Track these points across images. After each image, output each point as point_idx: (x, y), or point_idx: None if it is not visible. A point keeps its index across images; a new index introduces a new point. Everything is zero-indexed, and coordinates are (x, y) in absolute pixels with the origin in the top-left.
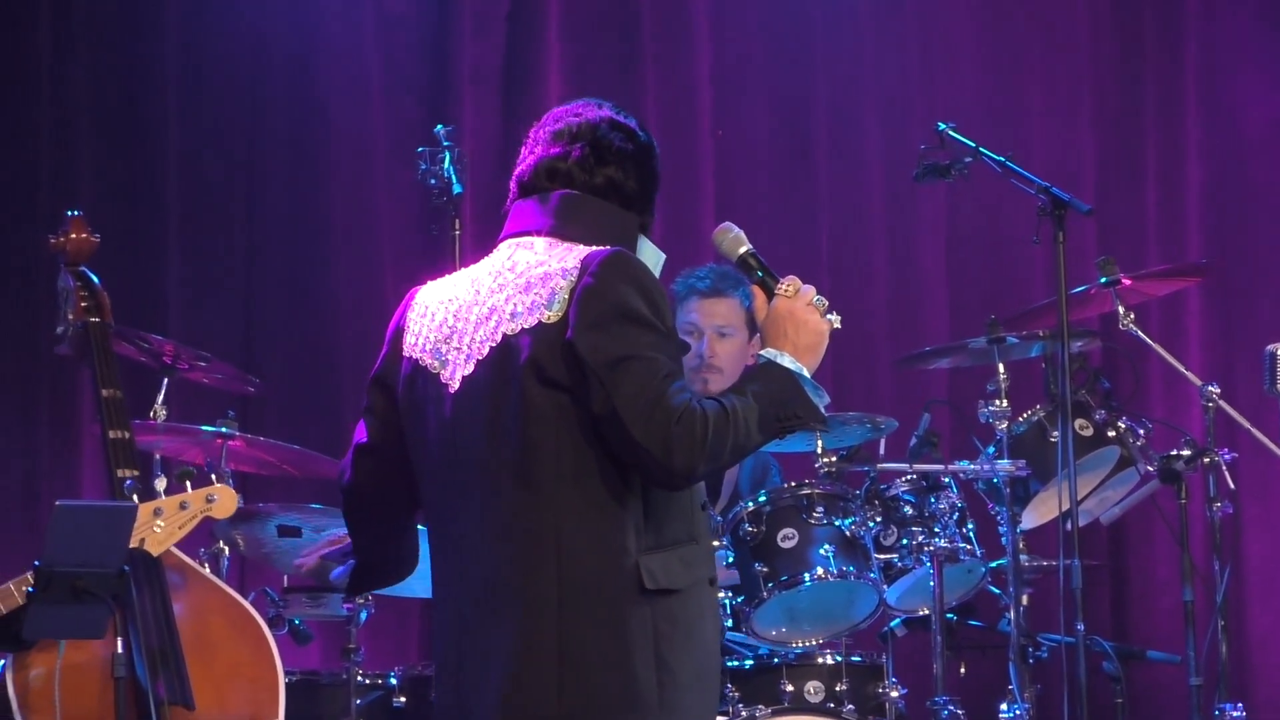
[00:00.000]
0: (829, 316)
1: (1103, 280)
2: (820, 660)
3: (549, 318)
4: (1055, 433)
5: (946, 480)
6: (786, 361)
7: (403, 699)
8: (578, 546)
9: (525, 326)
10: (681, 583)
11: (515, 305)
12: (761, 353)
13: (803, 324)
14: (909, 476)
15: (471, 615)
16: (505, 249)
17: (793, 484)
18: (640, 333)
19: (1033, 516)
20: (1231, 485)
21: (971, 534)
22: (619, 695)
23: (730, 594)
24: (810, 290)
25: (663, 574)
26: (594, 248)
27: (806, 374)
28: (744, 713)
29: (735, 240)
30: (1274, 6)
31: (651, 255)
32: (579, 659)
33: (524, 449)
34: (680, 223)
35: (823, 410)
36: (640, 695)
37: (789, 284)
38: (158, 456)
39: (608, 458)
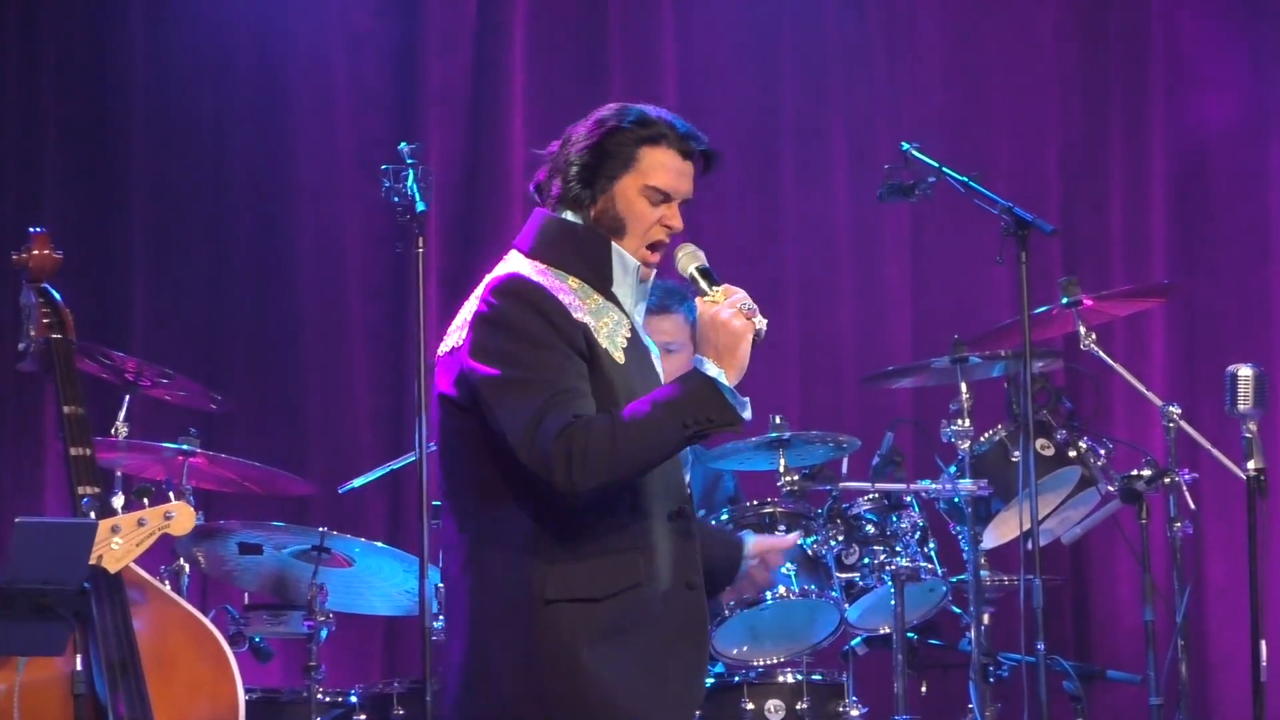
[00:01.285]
0: (755, 320)
1: (1065, 301)
2: (781, 679)
3: (457, 341)
4: (1017, 452)
5: (909, 499)
6: (706, 367)
7: (363, 717)
8: (488, 563)
9: (442, 351)
10: (601, 590)
11: (452, 327)
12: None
13: (721, 326)
14: (871, 495)
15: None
16: None
17: (755, 502)
18: (525, 353)
19: (994, 536)
20: (1192, 506)
21: (933, 553)
22: (528, 706)
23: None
24: (739, 295)
25: (575, 584)
26: (504, 272)
27: (725, 377)
28: None
29: (689, 257)
30: (1240, 29)
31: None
32: (484, 672)
33: (446, 472)
34: None
35: (739, 413)
36: (552, 704)
37: (717, 291)
38: (119, 474)
39: (517, 474)
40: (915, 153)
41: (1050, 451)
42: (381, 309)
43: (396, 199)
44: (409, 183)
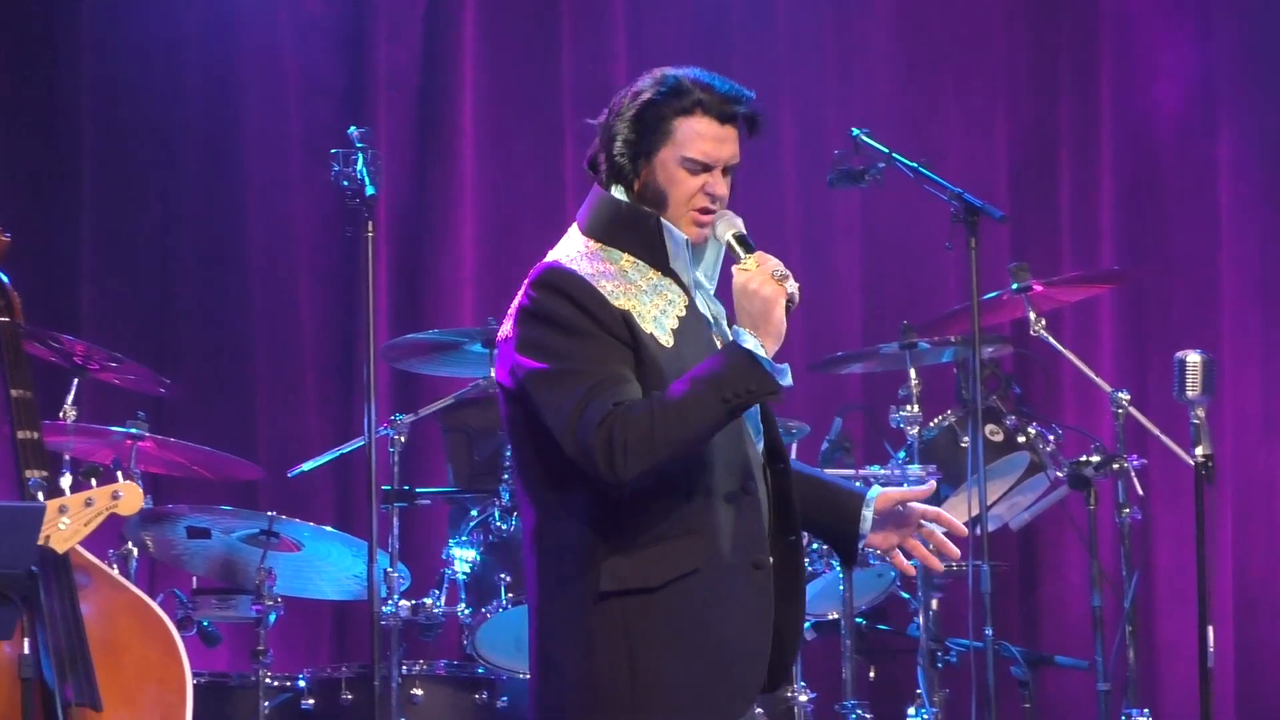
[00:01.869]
0: (787, 285)
1: (1015, 286)
2: None
3: (505, 332)
4: (966, 438)
5: (858, 485)
6: (743, 339)
7: (311, 701)
8: (551, 551)
9: (498, 340)
10: (656, 579)
11: (508, 313)
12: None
13: (753, 295)
14: None
15: None
16: None
17: None
18: (565, 344)
19: None
20: (1141, 492)
21: None
22: (586, 697)
23: None
24: (770, 261)
25: (630, 574)
26: (546, 261)
27: (760, 348)
28: None
29: (726, 224)
30: (1188, 16)
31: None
32: (552, 662)
33: (515, 461)
34: None
35: (779, 381)
36: (607, 697)
37: (750, 259)
38: (67, 457)
39: (569, 464)
40: (865, 139)
41: (999, 437)
42: (331, 293)
43: (346, 183)
44: (358, 167)
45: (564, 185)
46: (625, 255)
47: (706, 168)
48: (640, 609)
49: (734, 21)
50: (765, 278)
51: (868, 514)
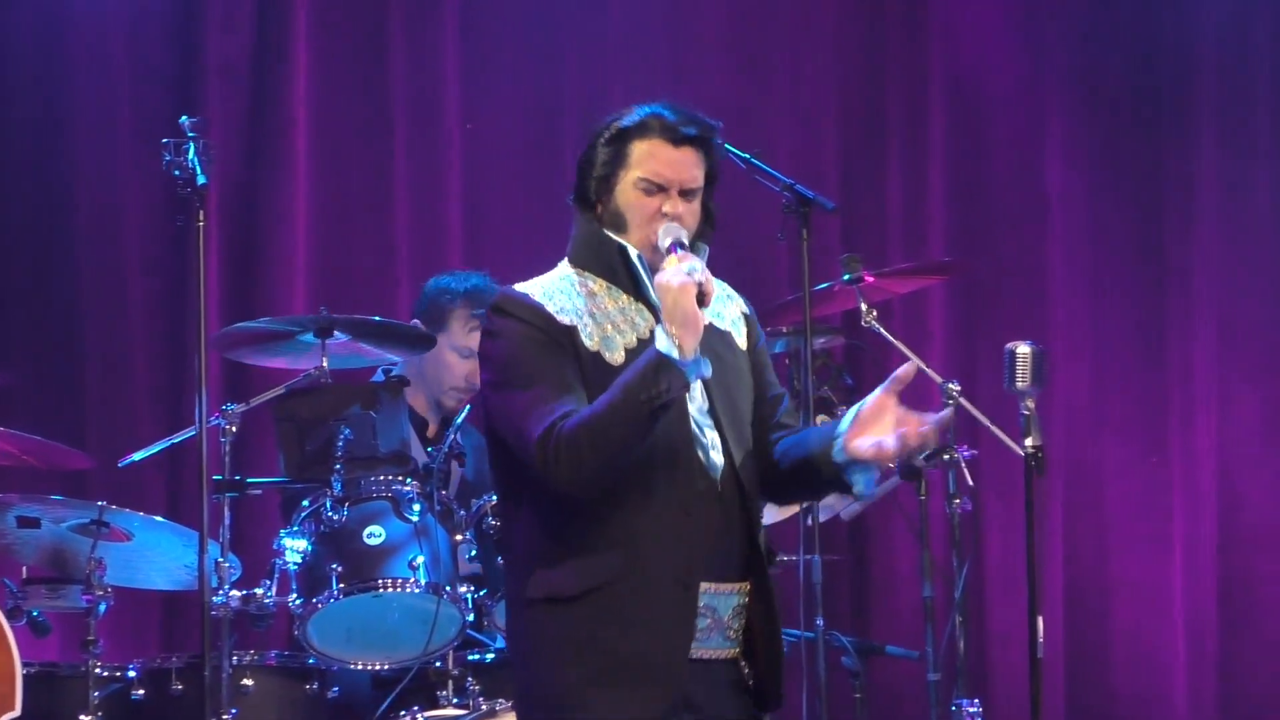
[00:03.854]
0: (695, 275)
1: (846, 277)
2: None
3: None
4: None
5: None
6: (659, 338)
7: (142, 691)
8: (506, 557)
9: None
10: (572, 590)
11: None
12: None
13: (664, 290)
14: None
15: None
16: None
17: None
18: (516, 359)
19: (773, 511)
20: (971, 482)
21: None
22: (529, 694)
23: (473, 588)
24: (688, 260)
25: (552, 583)
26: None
27: (675, 345)
28: (484, 706)
29: (665, 233)
30: (1016, 8)
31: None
32: (513, 660)
33: (492, 474)
34: (426, 216)
35: (689, 377)
36: (542, 696)
37: (671, 258)
38: None
39: (524, 473)
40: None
41: None
42: (161, 283)
43: (178, 173)
44: (190, 156)
45: (395, 175)
46: (599, 280)
47: (661, 188)
48: (559, 617)
49: (566, 11)
50: (677, 272)
51: (840, 431)
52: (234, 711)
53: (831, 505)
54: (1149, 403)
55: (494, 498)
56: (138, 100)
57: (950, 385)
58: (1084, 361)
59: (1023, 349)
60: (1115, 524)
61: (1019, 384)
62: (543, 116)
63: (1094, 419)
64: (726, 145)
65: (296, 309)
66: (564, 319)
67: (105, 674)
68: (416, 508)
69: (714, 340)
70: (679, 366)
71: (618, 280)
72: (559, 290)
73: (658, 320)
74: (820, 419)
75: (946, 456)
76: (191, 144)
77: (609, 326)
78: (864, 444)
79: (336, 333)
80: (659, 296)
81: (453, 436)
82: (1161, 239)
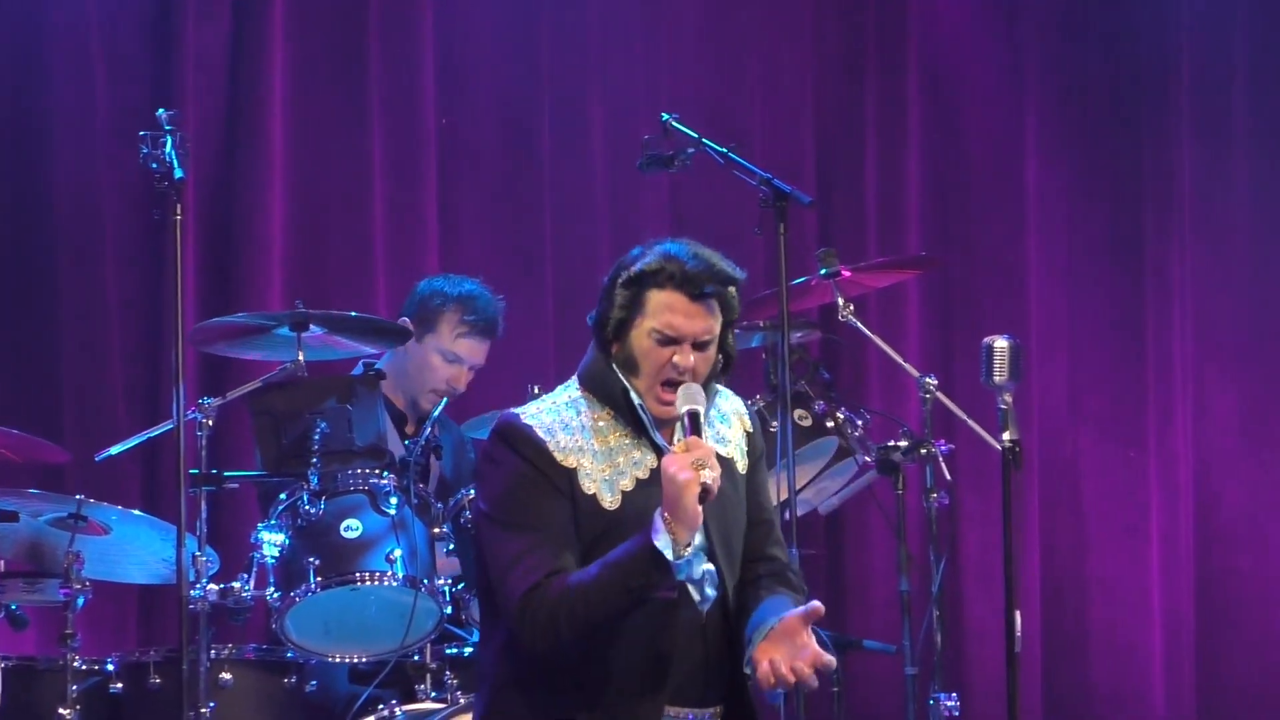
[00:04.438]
0: (702, 474)
1: (823, 272)
2: None
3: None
4: (775, 423)
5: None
6: (656, 531)
7: (120, 685)
8: (479, 673)
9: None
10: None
11: None
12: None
13: (669, 479)
14: None
15: None
16: None
17: None
18: (513, 497)
19: None
20: (948, 476)
21: None
22: None
23: (450, 581)
24: (700, 449)
25: (517, 710)
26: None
27: (669, 541)
28: (462, 699)
29: (685, 399)
30: (996, 2)
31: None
32: None
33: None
34: (402, 209)
35: (676, 578)
36: None
37: (682, 443)
38: None
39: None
40: (675, 124)
41: (808, 422)
42: (138, 276)
43: (155, 166)
44: (167, 150)
45: (372, 169)
46: (606, 409)
47: (674, 340)
48: None
49: (543, 5)
50: (684, 464)
51: (753, 643)
52: (212, 705)
53: (809, 500)
54: (1126, 397)
55: (471, 491)
56: (114, 93)
57: (927, 379)
58: (1061, 356)
59: (1000, 343)
60: (1092, 518)
61: (996, 378)
62: (519, 111)
63: (1071, 414)
64: (704, 140)
65: (273, 302)
66: (566, 461)
67: (83, 667)
68: (394, 501)
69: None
70: (670, 566)
71: (621, 415)
72: (563, 424)
73: (659, 457)
74: (799, 413)
75: (924, 451)
76: (169, 137)
77: (608, 468)
78: (760, 666)
79: (312, 327)
80: (663, 483)
81: (429, 430)
82: (1138, 234)
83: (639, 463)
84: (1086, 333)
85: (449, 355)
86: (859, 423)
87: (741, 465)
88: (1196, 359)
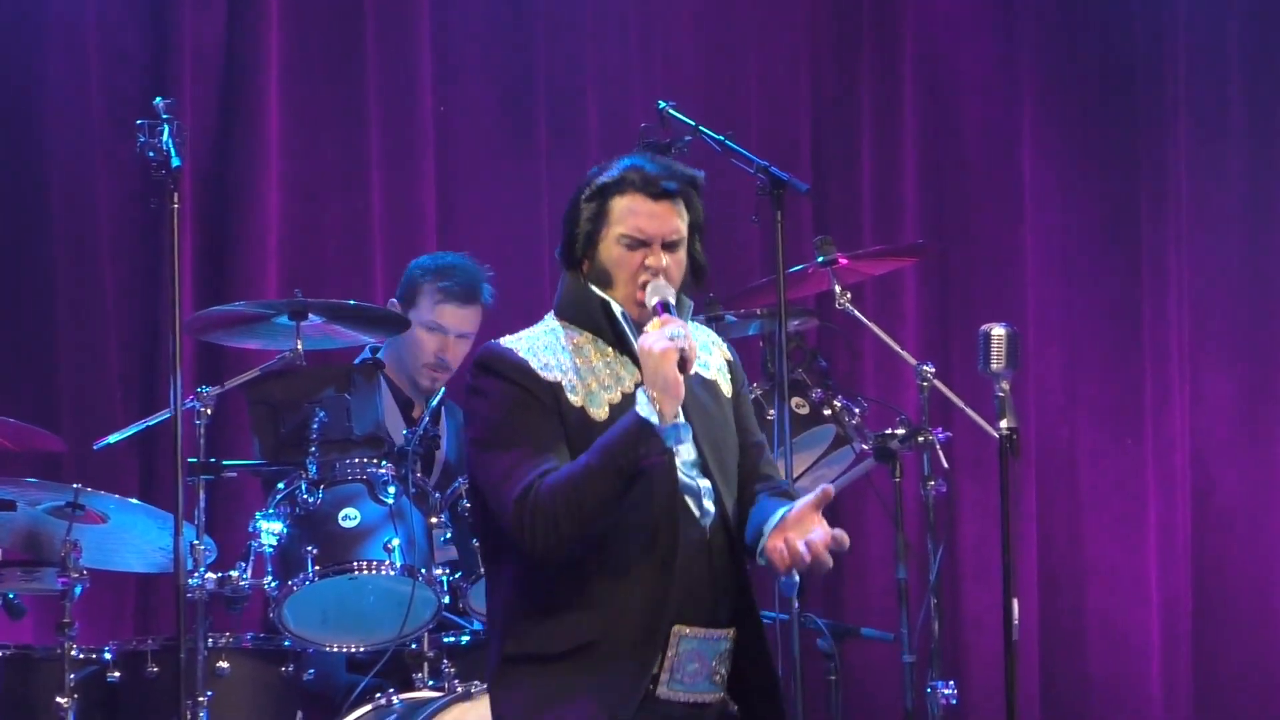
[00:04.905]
0: (678, 342)
1: (820, 260)
2: None
3: None
4: (772, 411)
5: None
6: (639, 403)
7: (117, 674)
8: (489, 616)
9: None
10: (555, 649)
11: None
12: None
13: (646, 354)
14: None
15: None
16: None
17: None
18: (498, 417)
19: None
20: (945, 464)
21: None
22: None
23: (448, 570)
24: (673, 324)
25: (531, 642)
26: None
27: (655, 410)
28: (460, 688)
29: (653, 291)
30: None
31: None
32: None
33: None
34: (399, 197)
35: (666, 444)
36: None
37: (656, 321)
38: None
39: (502, 537)
40: (672, 112)
41: (805, 410)
42: (135, 265)
43: (152, 155)
44: (164, 139)
45: (369, 157)
46: (585, 333)
47: (643, 243)
48: (537, 676)
49: None
50: (660, 336)
51: (765, 532)
52: (209, 694)
53: (806, 488)
54: (1122, 386)
55: (468, 480)
56: (109, 81)
57: (924, 367)
58: (1057, 345)
59: (997, 331)
60: (1089, 507)
61: (994, 366)
62: (515, 99)
63: (1067, 402)
64: (700, 128)
65: (269, 291)
66: (549, 376)
67: (81, 656)
68: (391, 490)
69: (700, 391)
70: (658, 432)
71: (603, 335)
72: (544, 345)
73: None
74: (796, 401)
75: (922, 439)
76: (166, 126)
77: (594, 382)
78: (772, 553)
79: (311, 315)
80: (641, 360)
81: (427, 420)
82: (1134, 223)
83: (623, 379)
84: (1083, 321)
85: (431, 325)
86: (856, 411)
87: (726, 389)
88: (1192, 348)
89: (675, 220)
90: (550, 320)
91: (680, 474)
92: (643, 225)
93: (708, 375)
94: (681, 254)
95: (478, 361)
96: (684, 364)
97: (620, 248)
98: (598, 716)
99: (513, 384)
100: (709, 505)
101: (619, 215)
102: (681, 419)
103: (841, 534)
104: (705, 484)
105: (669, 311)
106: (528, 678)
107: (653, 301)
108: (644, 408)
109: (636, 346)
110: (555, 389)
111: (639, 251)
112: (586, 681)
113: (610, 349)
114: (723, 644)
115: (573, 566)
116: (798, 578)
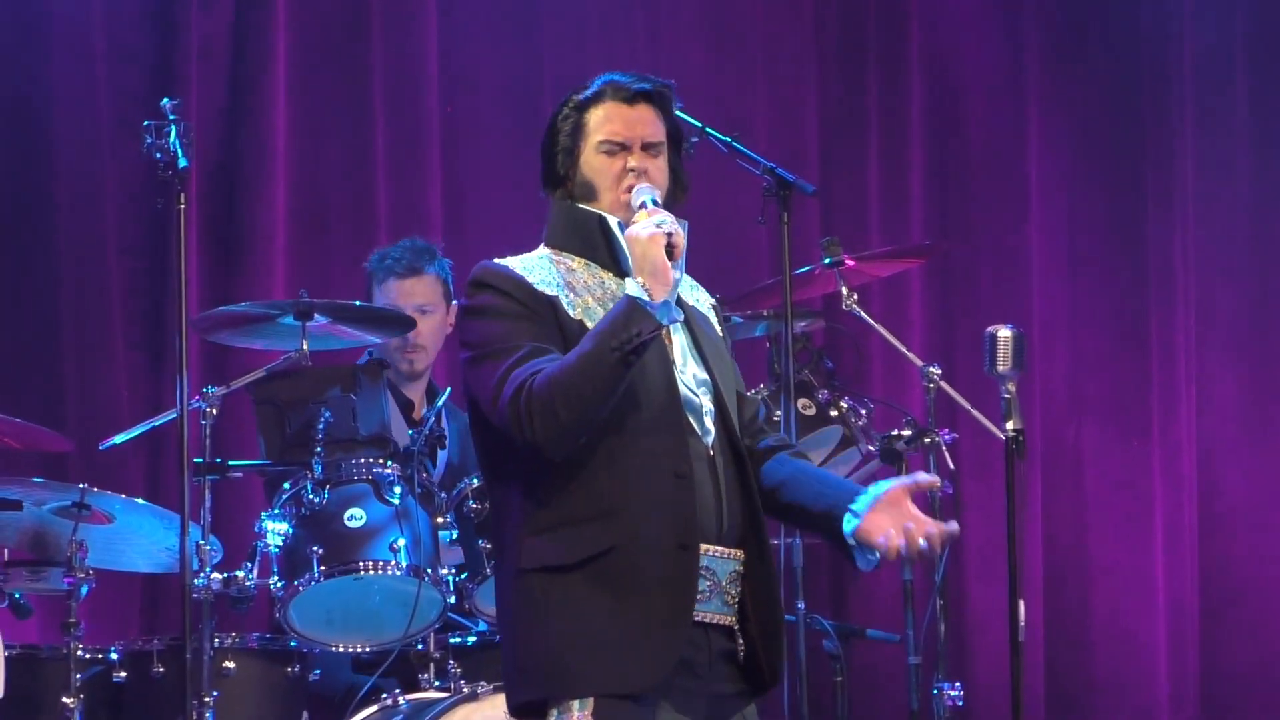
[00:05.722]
0: (664, 227)
1: (826, 261)
2: None
3: None
4: (779, 412)
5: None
6: (628, 287)
7: (123, 673)
8: (497, 534)
9: None
10: (572, 558)
11: None
12: None
13: (633, 241)
14: None
15: None
16: None
17: None
18: (492, 327)
19: None
20: (952, 465)
21: None
22: (523, 666)
23: (454, 571)
24: (658, 213)
25: (546, 553)
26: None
27: (643, 293)
28: (466, 689)
29: (639, 192)
30: None
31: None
32: (502, 634)
33: (477, 453)
34: (406, 198)
35: (659, 319)
36: (537, 667)
37: (642, 212)
38: None
39: (508, 445)
40: (678, 113)
41: (812, 411)
42: (141, 265)
43: (159, 155)
44: (171, 139)
45: (376, 157)
46: (578, 259)
47: (622, 146)
48: (556, 586)
49: None
50: (647, 224)
51: (858, 511)
52: (215, 694)
53: None
54: (1129, 386)
55: (475, 480)
56: (116, 81)
57: (930, 369)
58: (1063, 345)
59: (1004, 332)
60: (1095, 507)
61: (999, 367)
62: (522, 99)
63: (1073, 403)
64: (707, 129)
65: (275, 291)
66: (546, 290)
67: (87, 656)
68: (397, 490)
69: (696, 317)
70: (649, 309)
71: (596, 255)
72: (538, 266)
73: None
74: (802, 402)
75: (928, 440)
76: (173, 126)
77: (590, 299)
78: (878, 536)
79: (317, 316)
80: (628, 248)
81: (432, 419)
82: (1140, 222)
83: (619, 296)
84: (1088, 321)
85: (385, 305)
86: (862, 412)
87: (719, 327)
88: (1199, 347)
89: (652, 124)
90: (540, 250)
91: (681, 387)
92: (619, 129)
93: (700, 310)
94: (663, 160)
95: (472, 279)
96: (671, 250)
97: (601, 156)
98: (640, 643)
99: (509, 297)
100: (709, 424)
101: (595, 125)
102: (673, 301)
103: (955, 527)
104: (706, 401)
105: (654, 205)
106: (548, 588)
107: (638, 200)
108: (633, 288)
109: (623, 238)
110: (553, 301)
111: (620, 156)
112: (613, 597)
113: (604, 270)
114: (733, 565)
115: (586, 477)
116: (876, 560)
